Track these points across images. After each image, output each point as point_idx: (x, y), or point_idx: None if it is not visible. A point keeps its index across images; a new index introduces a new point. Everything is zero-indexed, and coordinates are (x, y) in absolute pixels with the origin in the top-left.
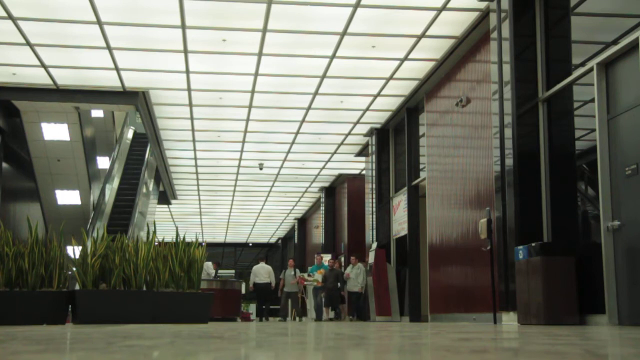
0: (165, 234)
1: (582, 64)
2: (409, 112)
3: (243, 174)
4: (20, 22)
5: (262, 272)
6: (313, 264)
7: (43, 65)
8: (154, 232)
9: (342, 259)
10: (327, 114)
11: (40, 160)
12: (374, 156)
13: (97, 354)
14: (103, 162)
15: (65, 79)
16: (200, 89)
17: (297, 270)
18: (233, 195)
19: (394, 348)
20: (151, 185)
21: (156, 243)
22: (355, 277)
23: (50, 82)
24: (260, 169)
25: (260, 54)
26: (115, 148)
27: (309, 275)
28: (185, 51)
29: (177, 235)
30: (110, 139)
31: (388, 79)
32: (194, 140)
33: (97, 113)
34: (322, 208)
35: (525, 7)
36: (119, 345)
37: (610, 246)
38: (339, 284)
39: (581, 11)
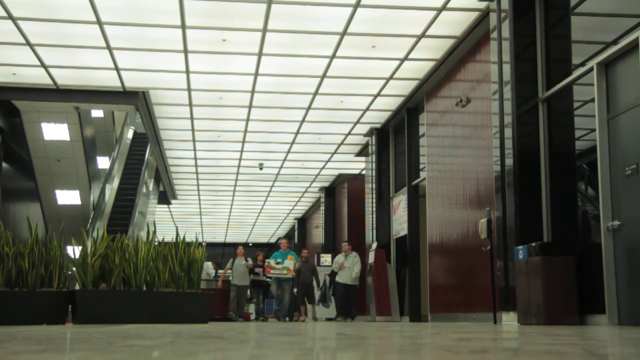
0: (165, 234)
1: (582, 64)
2: (409, 112)
3: (243, 174)
4: (20, 22)
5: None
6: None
7: (43, 65)
8: (154, 232)
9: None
10: (327, 114)
11: (40, 160)
12: (374, 156)
13: (97, 354)
14: (103, 162)
15: (65, 79)
16: (200, 89)
17: (249, 260)
18: (233, 195)
19: (394, 348)
20: (151, 185)
21: (156, 243)
22: (352, 266)
23: (50, 82)
24: (260, 169)
25: (260, 54)
26: (115, 148)
27: (276, 263)
28: (185, 51)
29: (177, 235)
30: (110, 139)
31: (388, 79)
32: (194, 140)
33: (97, 113)
34: (322, 208)
35: (525, 7)
36: (119, 345)
37: (610, 246)
38: (314, 278)
39: (581, 11)
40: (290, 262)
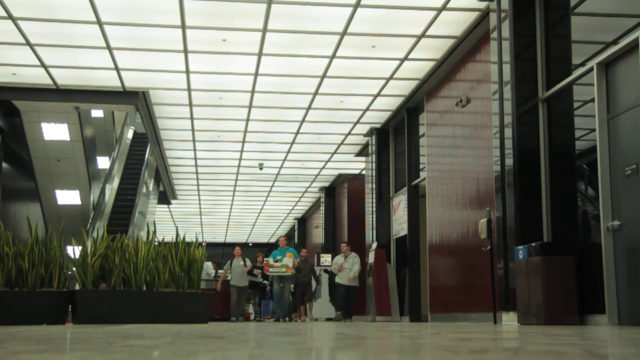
0: (165, 234)
1: (582, 64)
2: (409, 112)
3: (243, 174)
4: (20, 22)
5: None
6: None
7: (43, 65)
8: (154, 232)
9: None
10: (327, 114)
11: (40, 160)
12: (374, 156)
13: (97, 354)
14: (103, 162)
15: (65, 79)
16: (200, 89)
17: (247, 260)
18: (233, 195)
19: (394, 348)
20: (151, 185)
21: (156, 243)
22: (351, 266)
23: (50, 82)
24: (260, 169)
25: (260, 54)
26: (115, 148)
27: (275, 261)
28: (185, 51)
29: (177, 235)
30: (110, 139)
31: (388, 79)
32: (194, 140)
33: (97, 113)
34: (322, 208)
35: (525, 7)
36: (119, 345)
37: (610, 246)
38: (312, 278)
39: (581, 11)
40: (289, 260)
